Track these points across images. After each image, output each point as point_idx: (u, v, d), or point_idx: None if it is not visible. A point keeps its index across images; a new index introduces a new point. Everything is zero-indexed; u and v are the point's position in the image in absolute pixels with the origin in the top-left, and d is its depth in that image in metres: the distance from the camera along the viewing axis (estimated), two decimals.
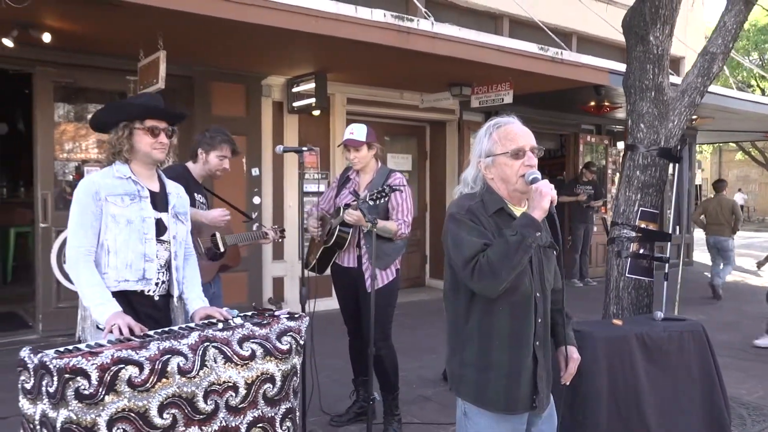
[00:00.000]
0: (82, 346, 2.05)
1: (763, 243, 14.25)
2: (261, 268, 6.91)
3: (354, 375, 4.05)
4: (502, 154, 2.04)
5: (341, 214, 3.66)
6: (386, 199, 3.53)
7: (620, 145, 11.49)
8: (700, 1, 11.47)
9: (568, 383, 2.25)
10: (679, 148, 4.20)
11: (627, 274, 4.19)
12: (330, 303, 6.13)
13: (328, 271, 3.97)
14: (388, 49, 5.36)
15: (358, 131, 3.74)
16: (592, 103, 8.68)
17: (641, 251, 4.23)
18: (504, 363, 2.04)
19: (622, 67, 7.27)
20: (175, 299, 2.61)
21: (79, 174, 5.97)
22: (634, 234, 4.18)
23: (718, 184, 9.36)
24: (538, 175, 2.00)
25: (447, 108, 8.31)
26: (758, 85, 22.28)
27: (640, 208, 4.22)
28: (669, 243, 4.34)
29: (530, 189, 1.99)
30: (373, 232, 3.39)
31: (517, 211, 2.08)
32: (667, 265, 4.38)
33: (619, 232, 4.27)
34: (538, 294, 2.08)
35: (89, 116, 6.23)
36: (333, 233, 3.77)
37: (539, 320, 2.09)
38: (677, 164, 4.29)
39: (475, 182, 2.12)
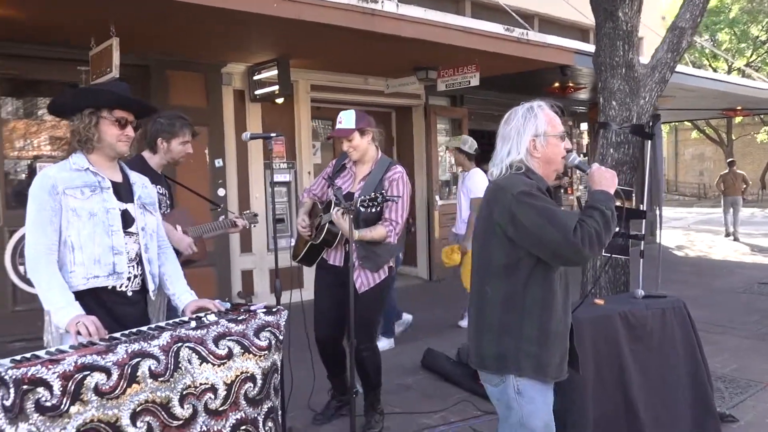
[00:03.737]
0: (41, 353, 1.87)
1: (720, 218, 14.79)
2: (229, 262, 6.70)
3: (329, 373, 3.82)
4: (554, 136, 2.17)
5: (331, 210, 3.35)
6: (378, 208, 3.20)
7: (583, 126, 11.56)
8: None
9: None
10: (651, 124, 4.16)
11: (603, 253, 4.15)
12: (304, 293, 6.00)
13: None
14: (353, 32, 5.20)
15: (346, 118, 3.45)
16: (557, 85, 8.66)
17: (617, 229, 4.19)
18: (560, 332, 2.15)
19: (587, 47, 7.28)
20: (151, 294, 2.45)
21: (31, 171, 5.67)
22: None
23: (731, 163, 13.97)
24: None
25: (412, 93, 8.19)
26: (710, 65, 22.80)
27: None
28: (643, 220, 4.32)
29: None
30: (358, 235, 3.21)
31: None
32: (642, 242, 4.36)
33: None
34: None
35: (39, 111, 5.98)
36: (321, 231, 3.49)
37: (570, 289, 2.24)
38: (650, 141, 4.25)
39: (526, 161, 2.15)
